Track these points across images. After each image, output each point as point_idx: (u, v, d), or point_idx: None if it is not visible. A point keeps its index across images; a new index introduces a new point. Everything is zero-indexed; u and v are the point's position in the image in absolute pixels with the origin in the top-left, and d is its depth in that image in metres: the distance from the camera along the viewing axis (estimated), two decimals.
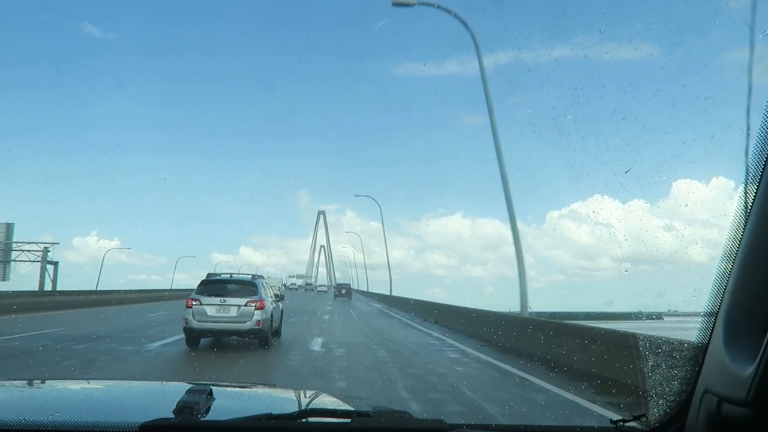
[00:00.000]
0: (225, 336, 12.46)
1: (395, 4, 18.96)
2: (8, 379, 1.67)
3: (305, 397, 1.91)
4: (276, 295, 14.56)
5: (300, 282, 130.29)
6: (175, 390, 1.52)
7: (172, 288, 46.91)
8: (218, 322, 11.92)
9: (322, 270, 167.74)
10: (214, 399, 1.34)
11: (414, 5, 18.88)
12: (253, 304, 12.03)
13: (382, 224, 53.22)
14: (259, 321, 11.97)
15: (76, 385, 2.08)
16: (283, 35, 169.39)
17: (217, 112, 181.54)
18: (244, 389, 2.08)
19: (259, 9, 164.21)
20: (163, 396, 1.69)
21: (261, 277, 14.01)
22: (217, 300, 12.00)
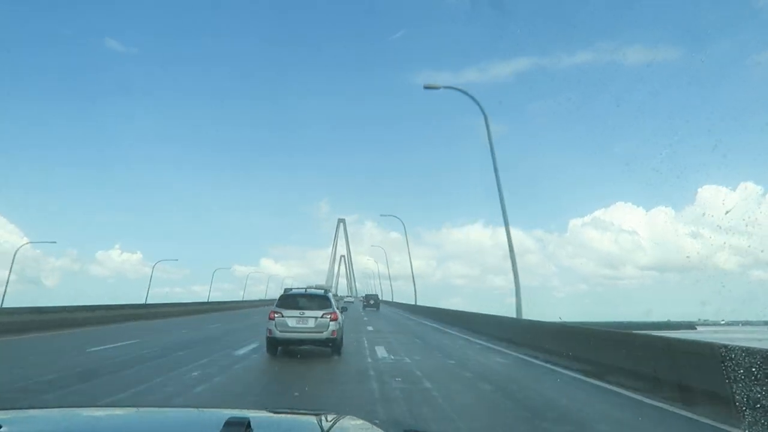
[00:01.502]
0: (303, 345, 13.73)
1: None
2: (37, 407, 1.85)
3: (345, 426, 1.85)
4: (341, 308, 15.85)
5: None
6: (213, 419, 1.49)
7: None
8: (298, 332, 13.22)
9: (342, 281, 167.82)
10: (252, 431, 1.31)
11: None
12: (328, 316, 13.34)
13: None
14: (334, 331, 13.28)
15: (108, 413, 2.03)
16: (299, 49, 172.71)
17: (238, 126, 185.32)
18: (283, 417, 2.02)
19: (276, 24, 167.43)
20: (202, 427, 1.67)
21: (329, 290, 15.26)
22: (296, 312, 13.31)
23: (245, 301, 74.53)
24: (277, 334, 13.19)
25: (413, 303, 52.90)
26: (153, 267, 66.98)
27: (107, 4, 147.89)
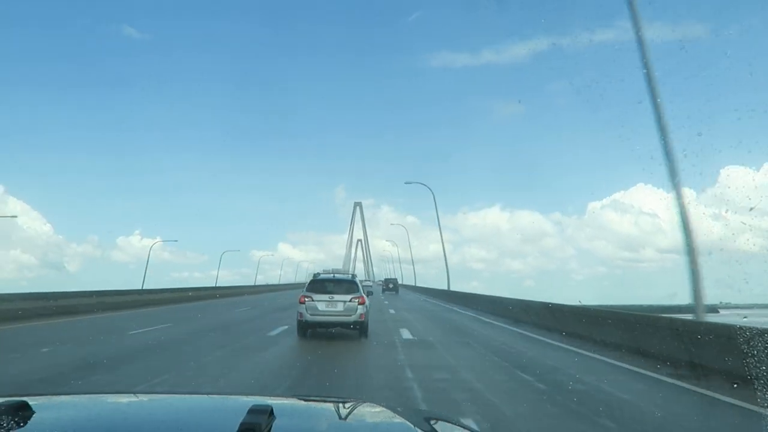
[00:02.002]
0: (332, 327, 14.28)
1: None
2: (46, 394, 1.74)
3: (365, 413, 1.84)
4: (367, 292, 16.55)
5: None
6: (237, 406, 1.49)
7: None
8: (328, 315, 13.82)
9: (359, 265, 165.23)
10: (275, 419, 1.30)
11: None
12: (356, 300, 13.91)
13: None
14: (362, 314, 13.85)
15: (134, 399, 2.03)
16: (313, 33, 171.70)
17: (255, 112, 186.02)
18: (306, 404, 2.03)
19: (290, 7, 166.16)
20: (225, 414, 1.64)
21: (356, 275, 15.97)
22: (326, 297, 13.87)
23: (253, 286, 67.75)
24: (308, 317, 13.77)
25: (443, 288, 46.42)
26: (150, 248, 57.50)
27: None
